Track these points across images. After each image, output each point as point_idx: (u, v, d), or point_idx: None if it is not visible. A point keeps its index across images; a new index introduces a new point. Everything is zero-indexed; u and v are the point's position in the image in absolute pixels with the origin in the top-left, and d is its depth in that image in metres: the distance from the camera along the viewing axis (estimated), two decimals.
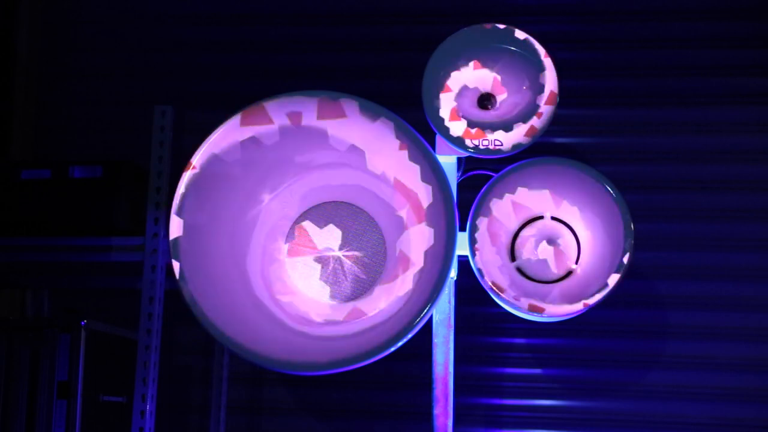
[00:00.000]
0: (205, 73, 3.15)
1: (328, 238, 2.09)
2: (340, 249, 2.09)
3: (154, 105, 2.49)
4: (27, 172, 2.49)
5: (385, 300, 2.00)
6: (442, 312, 2.06)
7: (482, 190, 2.11)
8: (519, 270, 2.17)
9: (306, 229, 2.10)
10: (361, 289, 2.07)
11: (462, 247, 2.05)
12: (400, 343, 1.85)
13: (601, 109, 3.03)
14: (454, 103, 2.03)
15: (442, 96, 2.03)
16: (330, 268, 2.08)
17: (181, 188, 1.90)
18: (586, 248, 2.15)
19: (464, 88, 2.06)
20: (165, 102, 2.50)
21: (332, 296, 2.08)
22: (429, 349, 2.06)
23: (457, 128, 2.01)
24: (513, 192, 2.12)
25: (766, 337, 2.89)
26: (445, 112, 2.02)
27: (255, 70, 3.14)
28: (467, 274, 2.10)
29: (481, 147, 2.00)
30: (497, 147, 2.00)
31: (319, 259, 2.09)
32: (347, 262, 2.08)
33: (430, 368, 2.06)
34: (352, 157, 2.01)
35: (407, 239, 2.03)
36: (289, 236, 2.11)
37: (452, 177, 2.05)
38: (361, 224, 2.10)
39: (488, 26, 2.05)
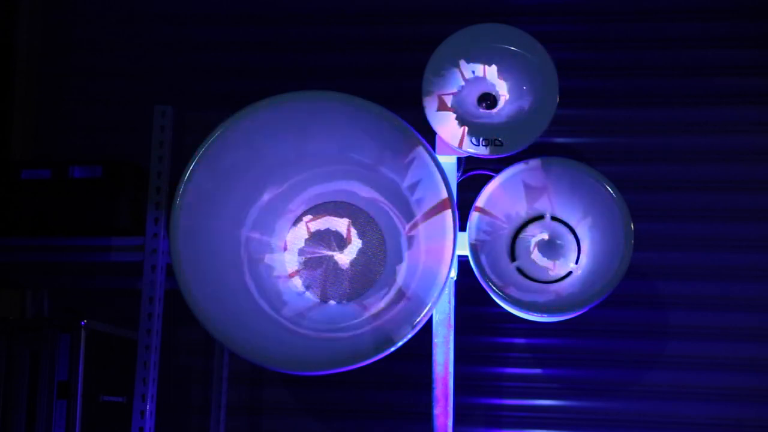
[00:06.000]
0: (205, 73, 3.15)
1: (329, 237, 2.10)
2: (340, 249, 2.09)
3: (154, 105, 2.49)
4: (27, 172, 2.49)
5: (386, 299, 2.00)
6: (442, 312, 2.06)
7: (482, 190, 2.11)
8: (519, 270, 2.18)
9: (307, 228, 2.10)
10: (361, 289, 2.07)
11: (462, 247, 2.05)
12: (399, 343, 1.85)
13: (601, 109, 3.02)
14: (454, 103, 2.04)
15: (443, 96, 2.03)
16: (329, 268, 2.08)
17: (182, 184, 1.89)
18: (585, 248, 2.15)
19: (464, 88, 2.06)
20: (165, 102, 2.50)
21: (331, 297, 2.08)
22: (429, 349, 2.06)
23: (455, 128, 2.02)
24: (513, 192, 2.13)
25: (766, 337, 2.89)
26: (445, 112, 2.02)
27: (255, 70, 3.13)
28: (467, 274, 2.10)
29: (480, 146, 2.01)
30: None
31: (319, 259, 2.09)
32: (346, 262, 2.08)
33: (430, 368, 2.06)
34: (352, 156, 2.01)
35: (407, 239, 2.03)
36: (290, 235, 2.11)
37: (452, 177, 2.05)
38: (361, 224, 2.10)
39: (489, 25, 2.06)
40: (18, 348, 2.37)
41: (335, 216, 2.10)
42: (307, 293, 2.08)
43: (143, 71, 3.17)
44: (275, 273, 2.07)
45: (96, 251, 2.47)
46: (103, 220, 2.44)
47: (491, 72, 2.04)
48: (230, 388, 2.96)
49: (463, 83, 2.05)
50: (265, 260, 2.05)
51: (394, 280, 2.03)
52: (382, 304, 1.99)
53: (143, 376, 2.38)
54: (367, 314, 1.99)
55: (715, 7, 3.02)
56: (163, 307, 2.42)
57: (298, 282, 2.08)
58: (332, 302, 2.08)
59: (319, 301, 2.07)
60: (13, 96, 3.16)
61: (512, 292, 2.07)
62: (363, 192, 2.08)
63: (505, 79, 2.06)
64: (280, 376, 2.94)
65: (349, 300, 2.07)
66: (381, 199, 2.06)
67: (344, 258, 2.08)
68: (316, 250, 2.09)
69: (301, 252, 2.10)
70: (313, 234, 2.10)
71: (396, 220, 2.05)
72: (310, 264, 2.09)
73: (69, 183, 2.46)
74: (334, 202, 2.11)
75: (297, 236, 2.10)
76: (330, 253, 2.08)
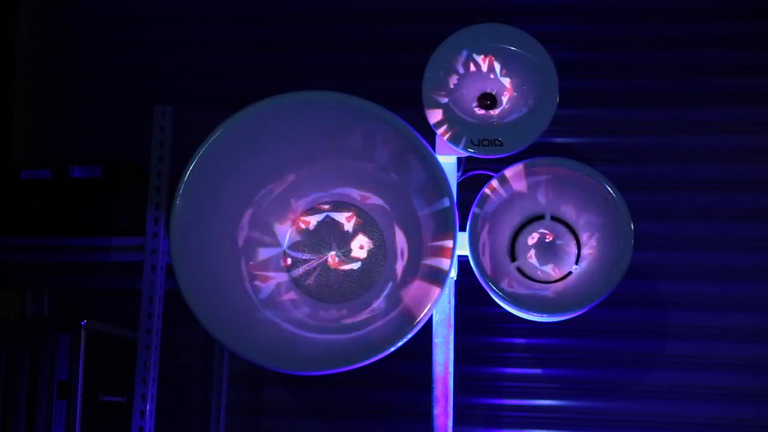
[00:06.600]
0: (205, 73, 3.15)
1: (329, 238, 2.10)
2: (340, 249, 2.09)
3: (154, 105, 2.49)
4: (27, 172, 2.49)
5: (385, 300, 2.00)
6: (442, 312, 2.06)
7: (482, 190, 2.11)
8: (519, 270, 2.17)
9: (306, 228, 2.10)
10: (360, 289, 2.07)
11: (462, 247, 2.05)
12: (400, 343, 1.85)
13: (601, 109, 3.03)
14: (454, 103, 2.04)
15: (443, 95, 2.03)
16: (328, 268, 2.08)
17: (182, 184, 1.89)
18: (585, 248, 2.15)
19: (464, 87, 2.06)
20: (165, 102, 2.50)
21: (330, 296, 2.08)
22: (429, 349, 2.06)
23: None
24: (513, 192, 2.12)
25: (766, 337, 2.89)
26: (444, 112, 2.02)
27: (255, 70, 3.14)
28: (467, 274, 2.10)
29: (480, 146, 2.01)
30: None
31: (317, 259, 2.09)
32: (346, 263, 2.08)
33: (430, 368, 2.05)
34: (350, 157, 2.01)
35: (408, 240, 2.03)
36: (290, 235, 2.11)
37: (452, 177, 2.05)
38: (362, 225, 2.10)
39: (489, 25, 2.06)
40: (18, 348, 2.37)
41: (335, 216, 2.09)
42: (307, 293, 2.08)
43: (143, 71, 3.18)
44: (274, 272, 2.07)
45: (96, 251, 2.47)
46: (103, 220, 2.44)
47: (495, 71, 2.05)
48: (230, 388, 2.96)
49: (464, 78, 2.05)
50: (265, 260, 2.05)
51: (394, 280, 2.03)
52: (381, 305, 1.99)
53: (143, 376, 2.38)
54: (366, 314, 1.99)
55: (715, 7, 3.02)
56: (163, 307, 2.42)
57: (297, 281, 2.08)
58: (331, 302, 2.07)
59: (318, 300, 2.07)
60: (13, 96, 3.16)
61: (512, 292, 2.06)
62: (364, 195, 2.08)
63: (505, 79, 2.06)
64: (280, 376, 2.94)
65: (348, 300, 2.07)
66: (382, 202, 2.06)
67: (344, 258, 2.07)
68: (316, 251, 2.09)
69: (300, 252, 2.10)
70: (313, 234, 2.10)
71: (397, 221, 2.05)
72: (309, 264, 2.09)
73: (69, 183, 2.47)
74: (334, 202, 2.11)
75: (296, 236, 2.10)
76: (330, 253, 2.08)
